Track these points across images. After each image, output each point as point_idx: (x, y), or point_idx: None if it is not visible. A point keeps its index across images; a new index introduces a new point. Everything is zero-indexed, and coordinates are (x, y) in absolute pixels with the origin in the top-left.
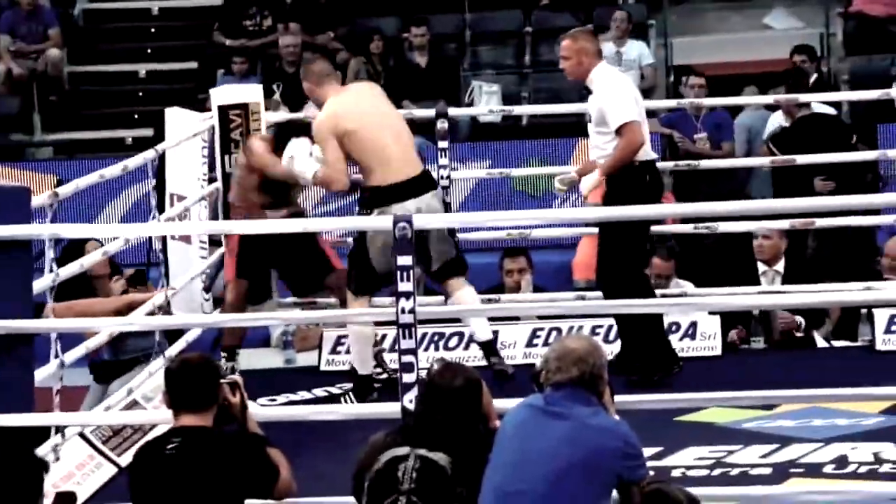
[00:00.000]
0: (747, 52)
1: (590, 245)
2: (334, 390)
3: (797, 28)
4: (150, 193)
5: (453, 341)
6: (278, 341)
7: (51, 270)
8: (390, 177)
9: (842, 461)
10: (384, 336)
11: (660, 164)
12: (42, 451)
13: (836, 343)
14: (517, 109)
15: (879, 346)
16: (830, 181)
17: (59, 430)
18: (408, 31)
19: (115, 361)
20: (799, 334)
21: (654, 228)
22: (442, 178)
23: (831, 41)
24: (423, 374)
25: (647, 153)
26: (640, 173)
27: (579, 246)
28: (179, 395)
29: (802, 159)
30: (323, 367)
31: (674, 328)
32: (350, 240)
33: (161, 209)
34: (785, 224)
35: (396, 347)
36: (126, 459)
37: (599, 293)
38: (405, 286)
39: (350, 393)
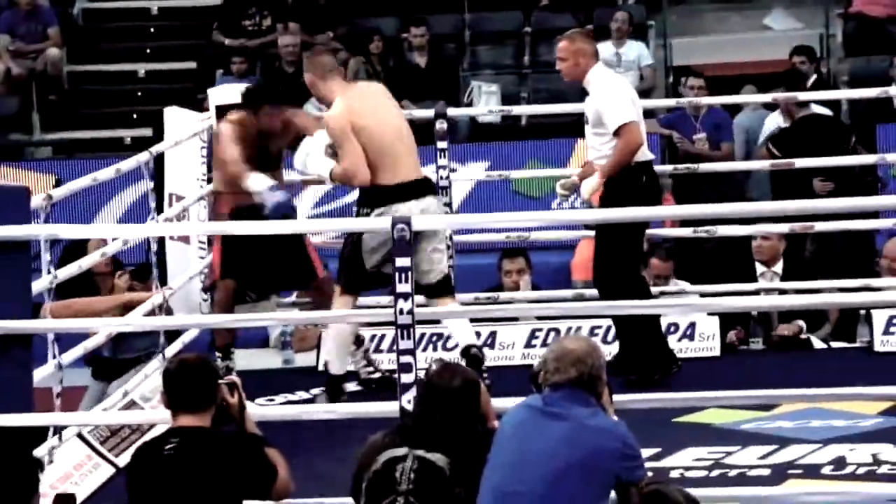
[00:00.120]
0: (747, 52)
1: (588, 246)
2: (351, 387)
3: (797, 29)
4: (149, 194)
5: (451, 342)
6: (276, 342)
7: (49, 271)
8: (396, 176)
9: (840, 462)
10: (373, 336)
11: (659, 168)
12: (40, 451)
13: (835, 344)
14: (516, 110)
15: (878, 348)
16: (829, 182)
17: (58, 430)
18: (407, 31)
19: (114, 360)
20: (803, 336)
21: (653, 232)
22: (441, 178)
23: (831, 42)
24: (422, 374)
25: (643, 154)
26: (637, 174)
27: (578, 247)
28: (177, 395)
29: (801, 163)
30: (321, 368)
31: (672, 329)
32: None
33: (160, 209)
34: (784, 228)
35: (395, 348)
36: (124, 460)
37: (598, 294)
38: (403, 287)
39: (323, 393)
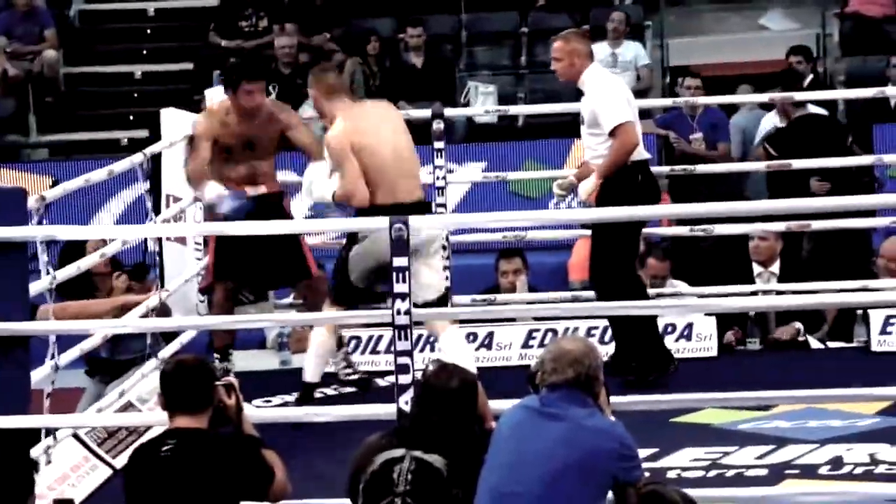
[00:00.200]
0: (744, 52)
1: (585, 246)
2: (329, 391)
3: (793, 29)
4: (145, 196)
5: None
6: (274, 343)
7: (48, 272)
8: (392, 197)
9: (837, 462)
10: (351, 338)
11: (656, 168)
12: (36, 452)
13: (832, 344)
14: (513, 110)
15: (875, 348)
16: (826, 182)
17: (52, 432)
18: (404, 31)
19: (112, 361)
20: (801, 339)
21: (650, 231)
22: (438, 178)
23: (827, 42)
24: (419, 375)
25: (640, 153)
26: (633, 173)
27: (575, 247)
28: (174, 396)
29: (798, 163)
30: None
31: (670, 329)
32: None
33: (157, 210)
34: (781, 226)
35: (392, 349)
36: (121, 461)
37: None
38: (401, 287)
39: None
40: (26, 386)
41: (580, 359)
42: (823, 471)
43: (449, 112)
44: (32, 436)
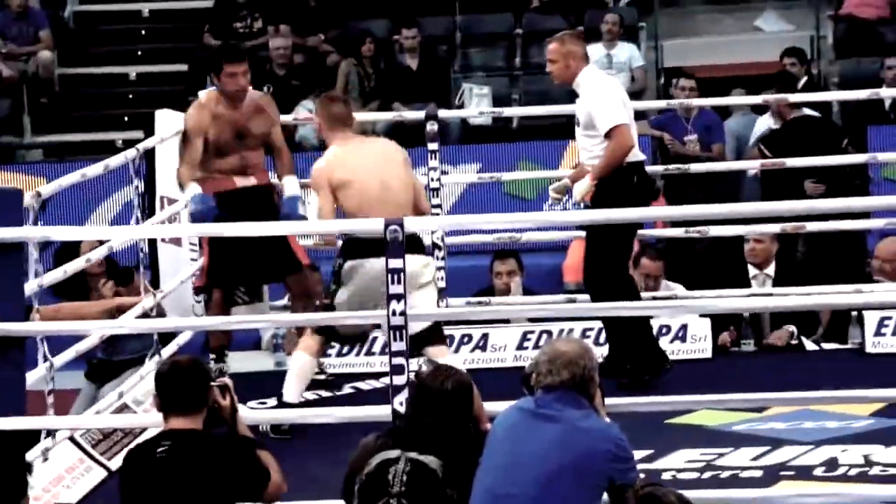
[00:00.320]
0: (738, 54)
1: (580, 248)
2: (324, 393)
3: (788, 31)
4: (136, 196)
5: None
6: (268, 344)
7: (36, 274)
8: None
9: (832, 464)
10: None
11: (650, 169)
12: (31, 454)
13: (827, 345)
14: (507, 111)
15: (869, 349)
16: (821, 184)
17: (52, 433)
18: (398, 33)
19: (108, 362)
20: (794, 342)
21: (645, 232)
22: (432, 180)
23: (821, 44)
24: (413, 376)
25: (635, 154)
26: (628, 175)
27: (570, 249)
28: (169, 397)
29: (792, 162)
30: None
31: (664, 331)
32: (339, 242)
33: (151, 212)
34: (775, 228)
35: (387, 350)
36: (116, 463)
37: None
38: (395, 288)
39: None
40: (22, 387)
41: (575, 360)
42: (818, 472)
43: (443, 113)
44: (29, 437)
